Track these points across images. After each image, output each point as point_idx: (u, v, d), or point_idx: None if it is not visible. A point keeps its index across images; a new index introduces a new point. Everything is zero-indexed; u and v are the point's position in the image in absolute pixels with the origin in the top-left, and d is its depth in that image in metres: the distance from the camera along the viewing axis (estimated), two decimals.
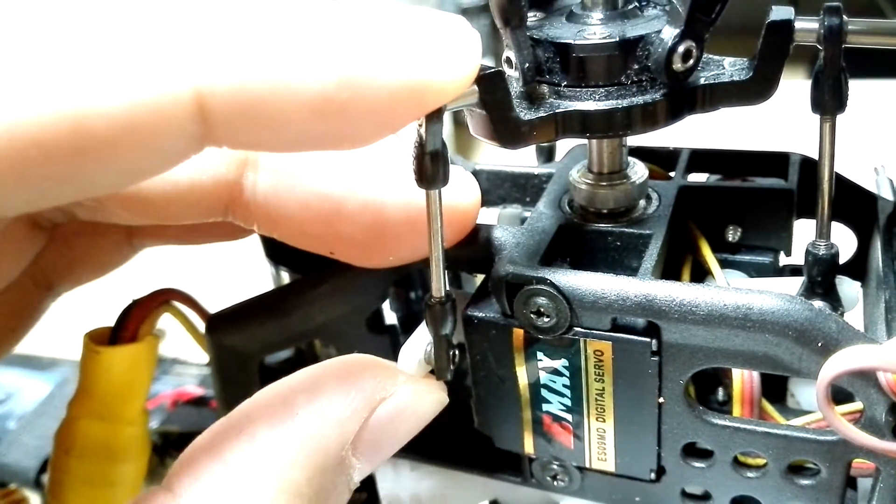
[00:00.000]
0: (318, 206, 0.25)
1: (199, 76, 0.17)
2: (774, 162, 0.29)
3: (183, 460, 0.20)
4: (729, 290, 0.23)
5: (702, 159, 0.30)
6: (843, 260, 0.30)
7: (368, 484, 0.34)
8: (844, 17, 0.22)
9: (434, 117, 0.19)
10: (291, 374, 0.22)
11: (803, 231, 0.28)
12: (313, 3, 0.18)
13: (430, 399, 0.23)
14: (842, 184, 0.29)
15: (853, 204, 0.29)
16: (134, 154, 0.17)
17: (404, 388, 0.22)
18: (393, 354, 0.27)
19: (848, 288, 0.27)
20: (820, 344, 0.21)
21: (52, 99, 0.16)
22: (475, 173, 0.32)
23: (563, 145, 0.31)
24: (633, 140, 0.27)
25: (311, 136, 0.18)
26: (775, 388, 0.29)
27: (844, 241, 0.29)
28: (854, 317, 0.27)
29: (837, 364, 0.20)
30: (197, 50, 0.17)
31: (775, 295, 0.22)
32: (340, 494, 0.22)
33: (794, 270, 0.30)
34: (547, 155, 0.33)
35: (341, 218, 0.25)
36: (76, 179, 0.17)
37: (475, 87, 0.21)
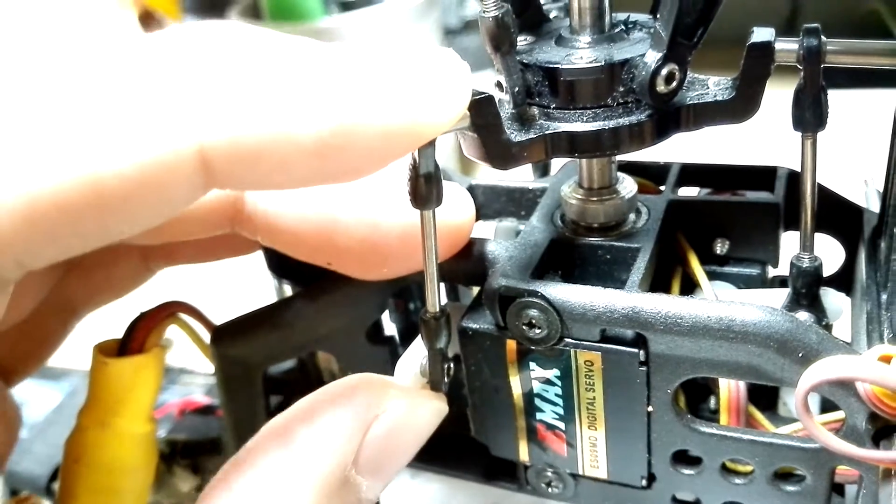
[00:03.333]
0: (314, 219, 0.26)
1: (201, 133, 0.18)
2: (762, 176, 0.30)
3: (201, 497, 0.21)
4: (713, 302, 0.23)
5: (691, 174, 0.31)
6: (831, 272, 0.30)
7: None
8: (823, 38, 0.23)
9: (427, 143, 0.20)
10: (297, 394, 0.23)
11: (792, 243, 0.29)
12: (305, 52, 0.19)
13: (427, 409, 0.24)
14: (828, 197, 0.29)
15: (840, 217, 0.30)
16: (146, 206, 0.19)
17: (400, 401, 0.23)
18: (392, 364, 0.28)
19: (833, 299, 0.27)
20: (801, 354, 0.22)
21: (70, 166, 0.17)
22: (472, 188, 0.33)
23: (558, 160, 0.32)
24: (625, 155, 0.28)
25: (309, 177, 0.20)
26: (767, 397, 0.30)
27: (833, 253, 0.30)
28: (842, 329, 0.28)
29: (815, 374, 0.21)
30: (198, 109, 0.18)
31: (757, 307, 0.23)
32: None
33: (782, 282, 0.30)
34: (542, 170, 0.34)
35: (337, 230, 0.26)
36: (95, 232, 0.19)
37: (467, 112, 0.21)
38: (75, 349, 0.36)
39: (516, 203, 0.32)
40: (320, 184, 0.20)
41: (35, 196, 0.17)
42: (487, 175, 0.34)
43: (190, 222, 0.27)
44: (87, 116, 0.17)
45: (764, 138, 0.53)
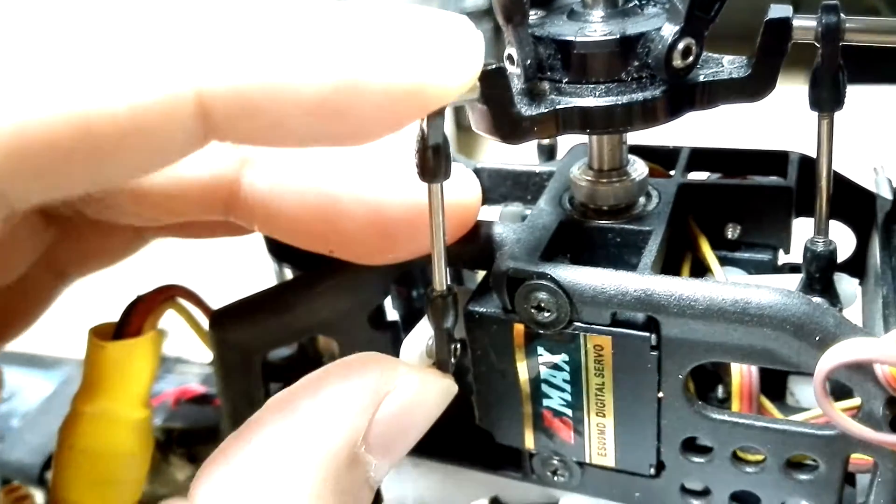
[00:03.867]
0: (315, 205, 0.25)
1: (201, 79, 0.17)
2: (774, 160, 0.30)
3: (200, 472, 0.21)
4: (727, 284, 0.23)
5: (702, 158, 0.30)
6: (842, 258, 0.30)
7: None
8: (842, 15, 0.23)
9: (436, 113, 0.20)
10: (297, 380, 0.22)
11: (804, 230, 0.28)
12: (312, 4, 0.18)
13: (437, 387, 0.23)
14: (841, 183, 0.29)
15: (852, 203, 0.29)
16: (139, 150, 0.18)
17: (410, 378, 0.22)
18: (394, 350, 0.27)
19: (846, 285, 0.27)
20: (817, 338, 0.22)
21: (61, 101, 0.16)
22: (477, 171, 0.32)
23: (564, 144, 0.31)
24: (635, 138, 0.27)
25: (312, 135, 0.19)
26: (775, 386, 0.29)
27: (844, 240, 0.30)
28: (854, 315, 0.28)
29: (834, 357, 0.20)
30: (198, 54, 0.17)
31: (773, 289, 0.22)
32: (360, 492, 0.22)
33: (793, 268, 0.30)
34: (548, 154, 0.33)
35: (339, 217, 0.25)
36: (86, 173, 0.18)
37: (477, 83, 0.21)
38: (69, 337, 0.35)
39: (522, 187, 0.32)
40: (322, 145, 0.19)
41: (23, 127, 0.16)
42: (491, 159, 0.33)
43: (181, 202, 0.26)
44: (83, 53, 0.17)
45: (773, 126, 0.53)
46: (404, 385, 0.22)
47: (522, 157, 0.32)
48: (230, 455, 0.20)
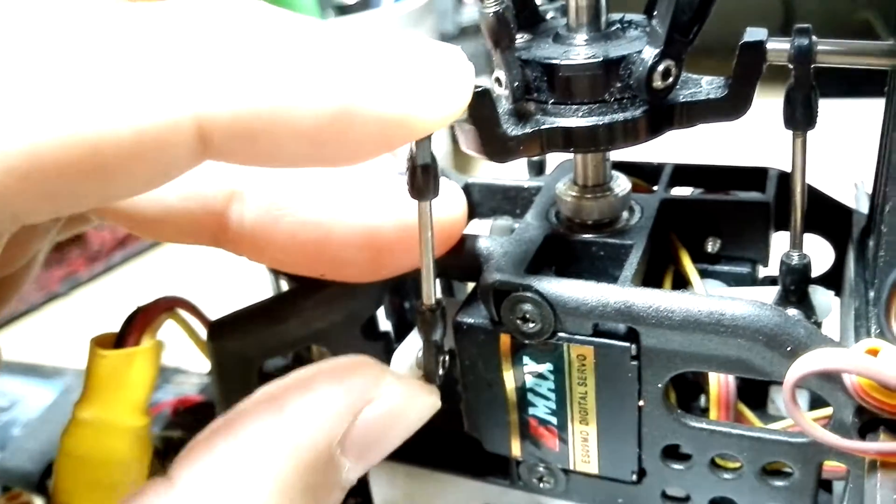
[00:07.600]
0: (305, 235, 0.26)
1: (200, 105, 0.18)
2: (753, 176, 0.31)
3: (183, 453, 0.22)
4: (703, 296, 0.24)
5: (684, 174, 0.31)
6: (820, 272, 0.31)
7: (363, 489, 0.34)
8: (814, 38, 0.24)
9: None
10: (287, 375, 0.23)
11: (783, 244, 0.29)
12: (310, 33, 0.19)
13: (421, 402, 0.24)
14: (818, 198, 0.30)
15: (830, 217, 0.30)
16: (141, 171, 0.19)
17: (395, 389, 0.23)
18: (386, 360, 0.28)
19: (821, 297, 0.28)
20: (789, 348, 0.23)
21: (70, 124, 0.17)
22: (468, 186, 0.33)
23: (553, 160, 0.32)
24: (619, 155, 0.28)
25: (306, 157, 0.20)
26: (756, 395, 0.30)
27: (823, 254, 0.31)
28: (831, 328, 0.28)
29: (803, 366, 0.21)
30: (199, 80, 0.18)
31: (747, 301, 0.23)
32: (332, 492, 0.23)
33: (773, 281, 0.31)
34: (537, 169, 0.34)
35: (329, 245, 0.26)
36: (92, 192, 0.19)
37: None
38: (69, 348, 0.36)
39: (512, 201, 0.33)
40: (315, 165, 0.20)
41: (34, 149, 0.17)
42: (485, 175, 0.34)
43: (171, 228, 0.27)
44: (90, 78, 0.18)
45: (756, 142, 0.54)
46: (389, 394, 0.23)
47: (514, 172, 0.33)
48: (213, 442, 0.21)
